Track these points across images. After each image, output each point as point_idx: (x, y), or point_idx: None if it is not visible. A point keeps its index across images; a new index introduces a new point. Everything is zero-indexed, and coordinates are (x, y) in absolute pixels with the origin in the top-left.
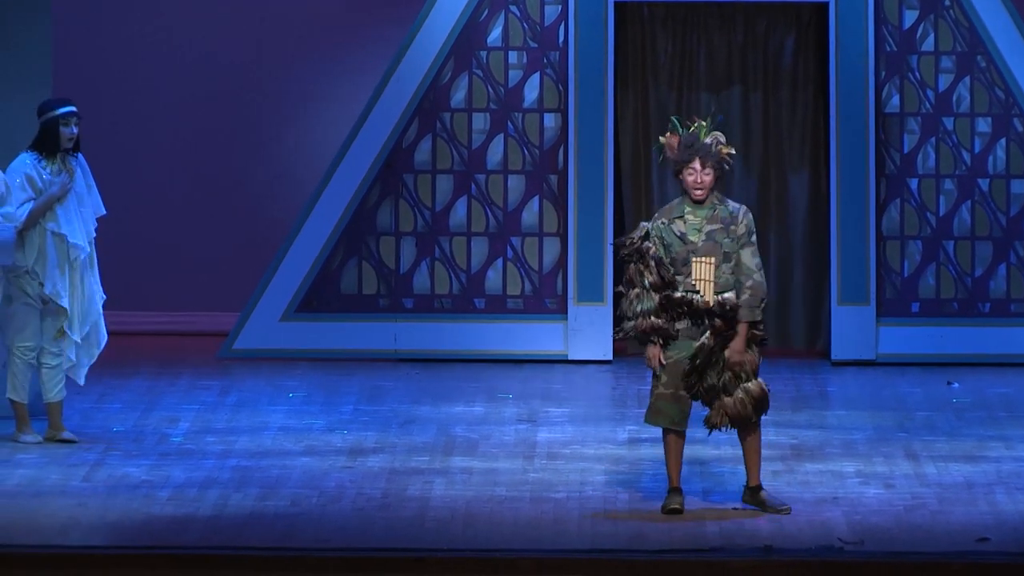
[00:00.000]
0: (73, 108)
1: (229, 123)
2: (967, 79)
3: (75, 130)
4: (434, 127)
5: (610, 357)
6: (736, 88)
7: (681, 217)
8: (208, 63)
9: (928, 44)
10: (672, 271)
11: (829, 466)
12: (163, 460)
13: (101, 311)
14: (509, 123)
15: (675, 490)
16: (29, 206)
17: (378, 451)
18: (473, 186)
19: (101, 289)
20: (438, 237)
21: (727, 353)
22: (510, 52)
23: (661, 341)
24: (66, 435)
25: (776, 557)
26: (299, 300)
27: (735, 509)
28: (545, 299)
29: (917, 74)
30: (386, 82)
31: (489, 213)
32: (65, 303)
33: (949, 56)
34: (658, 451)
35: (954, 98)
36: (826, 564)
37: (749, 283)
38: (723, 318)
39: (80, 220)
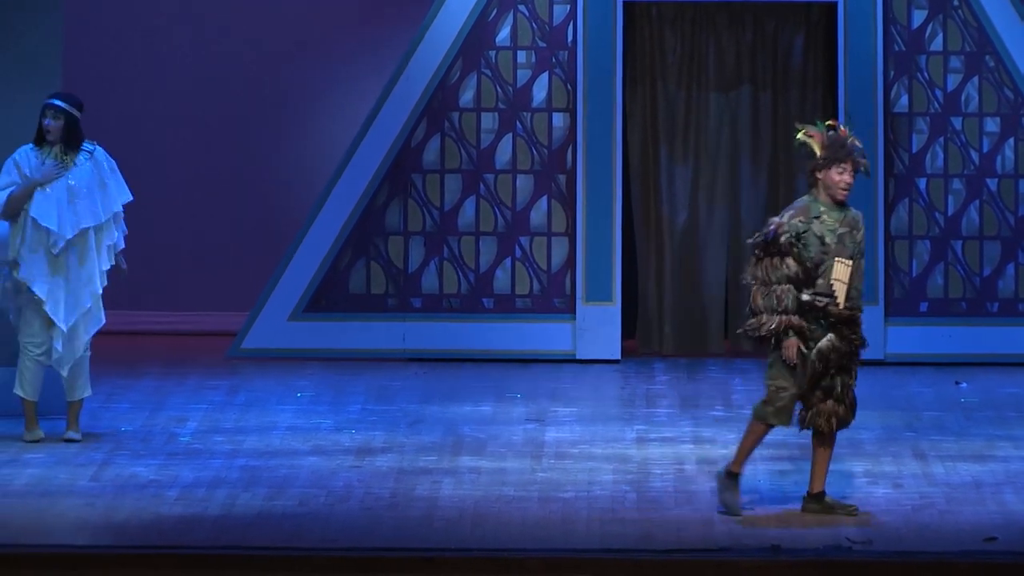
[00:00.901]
0: (55, 101)
1: (238, 123)
2: (976, 79)
3: (50, 122)
4: (443, 127)
5: (618, 357)
6: (745, 88)
7: (818, 218)
8: (218, 63)
9: (937, 44)
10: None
11: (837, 466)
12: (171, 460)
13: (93, 302)
14: (518, 123)
15: (739, 476)
16: (10, 191)
17: (386, 451)
18: (482, 186)
19: (97, 281)
20: (447, 237)
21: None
22: (519, 52)
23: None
24: (70, 434)
25: (784, 557)
26: (308, 300)
27: (744, 509)
28: (554, 299)
29: (926, 74)
30: (395, 82)
31: (498, 213)
32: (37, 289)
33: (958, 56)
34: (664, 451)
35: (963, 98)
36: (834, 564)
37: (854, 293)
38: (848, 323)
39: (70, 211)
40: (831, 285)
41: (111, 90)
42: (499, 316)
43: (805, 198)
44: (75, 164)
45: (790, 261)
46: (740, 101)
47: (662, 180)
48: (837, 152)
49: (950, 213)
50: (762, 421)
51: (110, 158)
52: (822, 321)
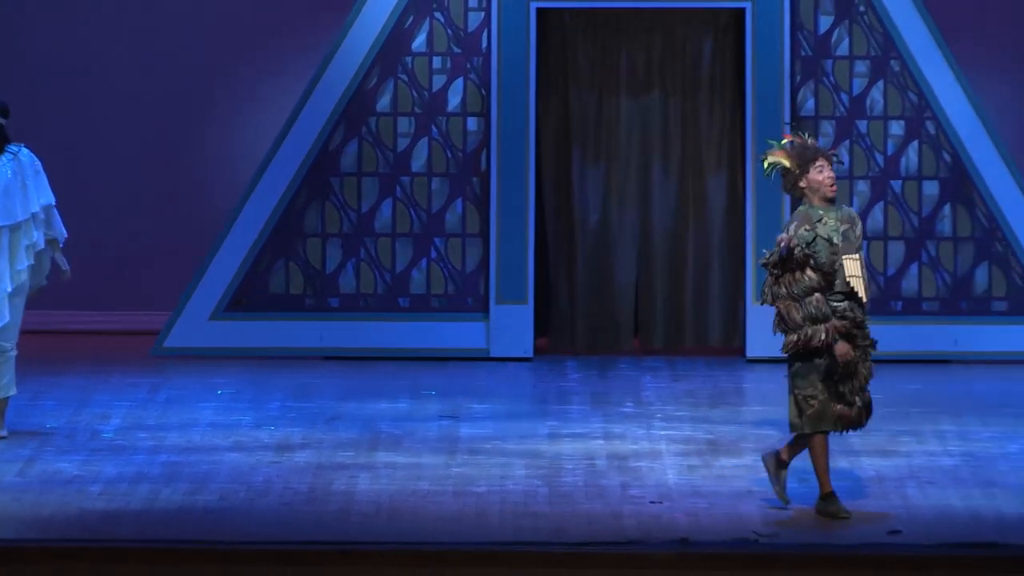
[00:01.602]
0: None
1: (163, 128)
2: (881, 82)
3: None
4: (360, 131)
5: (531, 355)
6: (655, 92)
7: (820, 220)
8: (145, 71)
9: (843, 48)
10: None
11: (745, 460)
12: (95, 456)
13: (3, 298)
14: (433, 127)
15: (833, 495)
16: None
17: (305, 447)
18: (398, 188)
19: (7, 279)
20: (364, 238)
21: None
22: (434, 57)
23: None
24: None
25: (693, 549)
26: (228, 299)
27: (652, 503)
28: (468, 298)
29: (832, 78)
30: (313, 87)
31: (413, 215)
32: None
33: (863, 60)
34: (576, 447)
35: (868, 101)
36: (741, 556)
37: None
38: (860, 328)
39: None
40: (848, 283)
41: (41, 96)
42: (415, 315)
43: (802, 208)
44: None
45: (810, 272)
46: (650, 105)
47: (574, 182)
48: (805, 155)
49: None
50: (804, 433)
51: (36, 160)
52: (854, 324)
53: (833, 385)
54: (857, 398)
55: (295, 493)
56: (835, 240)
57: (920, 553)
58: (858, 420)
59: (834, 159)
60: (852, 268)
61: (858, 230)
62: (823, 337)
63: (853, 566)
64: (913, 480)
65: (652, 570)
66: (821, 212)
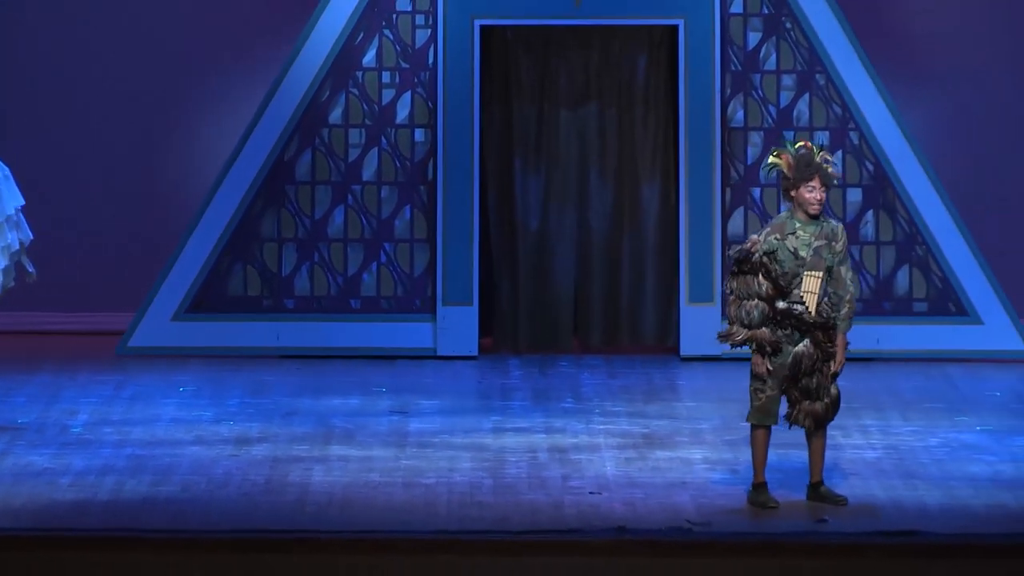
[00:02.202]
0: None
1: (129, 138)
2: (807, 95)
3: None
4: (314, 142)
5: (476, 353)
6: (593, 104)
7: (793, 233)
8: (113, 83)
9: (771, 63)
10: (784, 283)
11: (679, 453)
12: (64, 449)
13: None
14: (383, 138)
15: (763, 485)
16: None
17: (262, 440)
18: (350, 196)
19: None
20: (317, 243)
21: (834, 364)
22: (383, 72)
23: (769, 350)
24: None
25: (630, 537)
26: (189, 301)
27: (591, 494)
28: (416, 300)
29: (760, 91)
30: (269, 100)
31: (364, 221)
32: None
33: (790, 74)
34: (519, 440)
35: (794, 113)
36: (676, 543)
37: (847, 297)
38: (822, 329)
39: None
40: (802, 296)
41: (14, 102)
42: (366, 316)
43: (783, 214)
44: None
45: (761, 279)
46: (588, 116)
47: (516, 189)
48: (803, 171)
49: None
50: (752, 424)
51: (4, 166)
52: (799, 327)
53: (796, 383)
54: (824, 394)
55: (253, 484)
56: (802, 254)
57: (846, 541)
58: (824, 416)
59: (833, 180)
60: (808, 284)
61: (837, 246)
62: (739, 339)
63: (782, 553)
64: (838, 472)
65: (592, 557)
66: (798, 225)
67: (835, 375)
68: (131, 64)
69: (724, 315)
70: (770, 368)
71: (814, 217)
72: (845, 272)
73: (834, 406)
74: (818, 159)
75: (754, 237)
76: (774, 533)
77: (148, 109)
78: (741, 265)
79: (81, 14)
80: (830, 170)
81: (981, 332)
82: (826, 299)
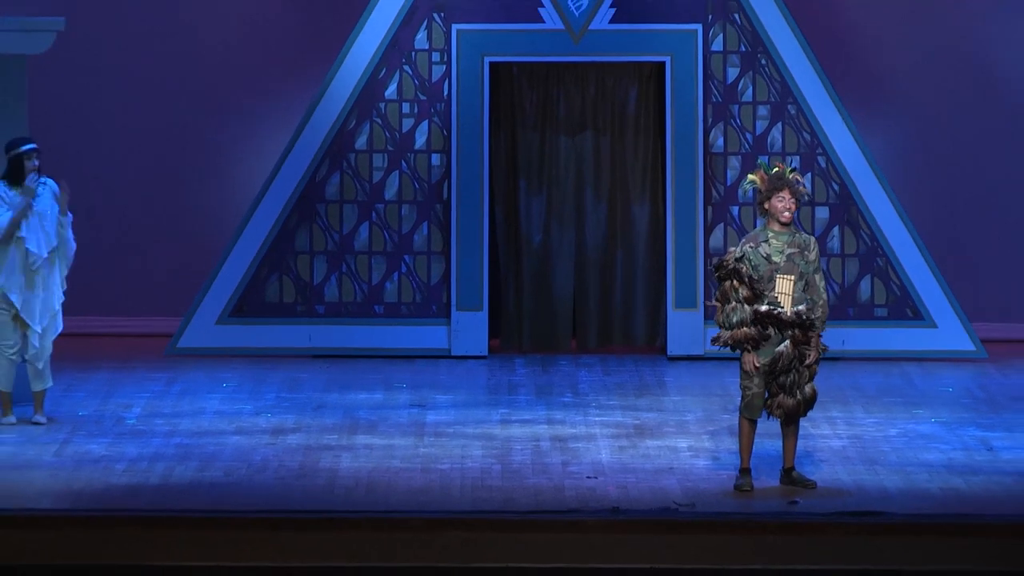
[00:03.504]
0: (35, 145)
1: (176, 162)
2: (780, 124)
3: (36, 163)
4: (341, 165)
5: (486, 353)
6: (589, 132)
7: (766, 241)
8: (169, 112)
9: (748, 95)
10: (759, 287)
11: (666, 442)
12: (119, 439)
13: (59, 307)
14: (403, 162)
15: (747, 471)
16: (9, 216)
17: (296, 431)
18: (374, 214)
19: (61, 289)
20: (345, 255)
21: (808, 362)
22: (404, 103)
23: (751, 347)
24: (37, 418)
25: (623, 517)
26: (231, 307)
27: (589, 478)
28: (432, 306)
29: (738, 120)
30: (302, 129)
31: (387, 236)
32: (13, 298)
33: (764, 105)
34: (524, 430)
35: (769, 140)
36: (664, 523)
37: (820, 302)
38: (800, 328)
39: (42, 233)
40: (777, 297)
41: (73, 130)
42: (388, 320)
43: (758, 227)
44: (37, 195)
45: (735, 283)
46: (584, 143)
47: (521, 208)
48: (775, 183)
49: None
50: (741, 416)
51: (56, 186)
52: (778, 326)
53: (775, 378)
54: (798, 391)
55: (288, 470)
56: (775, 259)
57: (814, 520)
58: (796, 410)
59: (801, 193)
60: (782, 286)
61: (810, 256)
62: (725, 340)
63: (758, 531)
64: (808, 459)
65: (589, 534)
66: (770, 234)
67: (812, 373)
68: (183, 97)
69: (707, 320)
70: (756, 365)
71: (785, 225)
72: (819, 280)
73: (807, 403)
74: (788, 176)
75: (733, 248)
76: (751, 513)
77: (196, 137)
78: (719, 271)
79: (137, 46)
80: (799, 185)
81: (935, 334)
82: (803, 305)
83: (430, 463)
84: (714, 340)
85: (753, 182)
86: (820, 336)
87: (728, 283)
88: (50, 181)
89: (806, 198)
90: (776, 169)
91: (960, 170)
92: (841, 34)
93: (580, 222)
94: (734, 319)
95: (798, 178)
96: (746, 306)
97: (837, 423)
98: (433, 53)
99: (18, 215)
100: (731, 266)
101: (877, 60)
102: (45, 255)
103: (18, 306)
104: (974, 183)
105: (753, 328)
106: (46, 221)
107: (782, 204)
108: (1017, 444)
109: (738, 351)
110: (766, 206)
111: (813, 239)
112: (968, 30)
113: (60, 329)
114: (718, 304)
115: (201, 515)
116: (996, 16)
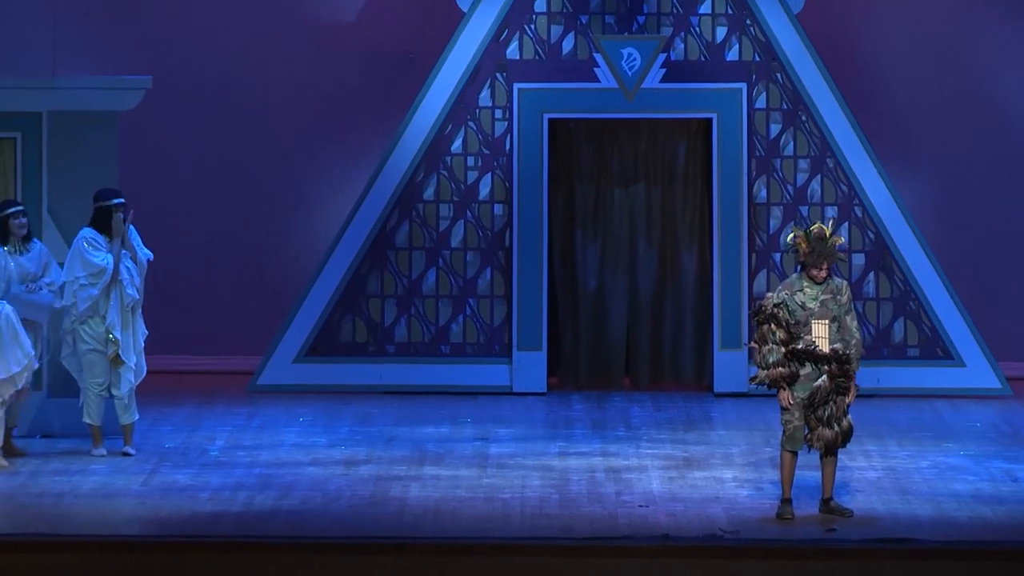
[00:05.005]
0: (123, 199)
1: (255, 211)
2: (819, 176)
3: (123, 215)
4: (410, 215)
5: (544, 390)
6: (641, 184)
7: (801, 290)
8: (249, 166)
9: (789, 150)
10: (795, 330)
11: (713, 473)
12: (203, 469)
13: (143, 346)
14: (468, 211)
15: (788, 501)
16: (108, 259)
17: (367, 462)
18: (440, 260)
19: (144, 328)
20: (413, 299)
21: (847, 398)
22: (468, 157)
23: (786, 385)
24: (128, 449)
25: (672, 543)
26: (308, 347)
27: (640, 507)
28: (495, 346)
29: (780, 173)
30: (374, 180)
31: (452, 280)
32: (118, 334)
33: (805, 159)
34: (580, 462)
35: (808, 191)
36: (710, 548)
37: (854, 342)
38: (836, 362)
39: (130, 276)
40: (814, 340)
41: (160, 181)
42: (454, 359)
43: (794, 275)
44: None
45: (773, 326)
46: (636, 194)
47: (577, 255)
48: (815, 260)
49: None
50: (783, 448)
51: (136, 233)
52: (814, 360)
53: (813, 411)
54: (835, 424)
55: (360, 498)
56: (809, 305)
57: (851, 546)
58: (834, 442)
59: (839, 260)
60: (817, 330)
61: (843, 299)
62: (762, 379)
63: (798, 557)
64: (845, 489)
65: (640, 559)
66: (805, 284)
67: (847, 407)
68: (264, 150)
69: (750, 360)
70: (792, 401)
71: (819, 282)
72: (851, 321)
73: (844, 436)
74: (829, 245)
75: (769, 294)
76: (791, 540)
77: (276, 190)
78: (757, 316)
79: (221, 102)
80: (840, 252)
81: (964, 373)
82: (839, 344)
83: (493, 492)
84: (752, 379)
85: (796, 247)
86: (855, 374)
87: (766, 326)
88: (132, 228)
89: (843, 259)
90: (817, 239)
91: (986, 219)
92: (876, 93)
93: (632, 268)
94: (771, 359)
95: (837, 241)
96: (781, 347)
97: (872, 456)
98: (496, 110)
99: (117, 258)
100: (769, 311)
101: (909, 117)
102: (138, 296)
103: (122, 344)
104: (999, 231)
105: (787, 368)
106: (135, 266)
107: (819, 273)
108: None
109: (774, 389)
110: (803, 266)
111: (845, 283)
112: (993, 92)
113: (145, 372)
114: (756, 346)
115: (279, 541)
116: (1021, 76)
